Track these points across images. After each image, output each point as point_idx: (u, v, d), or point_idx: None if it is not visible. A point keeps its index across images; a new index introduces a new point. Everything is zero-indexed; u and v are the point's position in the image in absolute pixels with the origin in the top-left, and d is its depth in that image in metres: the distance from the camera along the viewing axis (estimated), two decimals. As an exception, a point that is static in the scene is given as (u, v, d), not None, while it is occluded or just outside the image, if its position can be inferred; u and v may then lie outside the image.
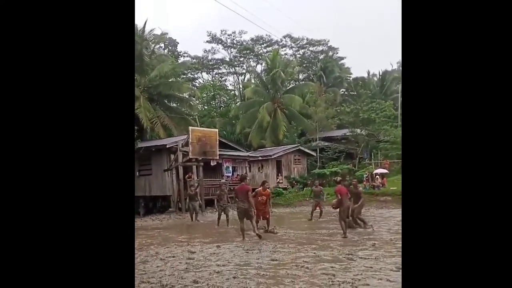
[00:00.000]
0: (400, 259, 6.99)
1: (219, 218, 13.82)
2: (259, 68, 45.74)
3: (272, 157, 26.29)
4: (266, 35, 46.77)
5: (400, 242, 8.70)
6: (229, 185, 22.84)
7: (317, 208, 14.12)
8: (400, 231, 10.37)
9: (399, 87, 40.99)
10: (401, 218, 11.92)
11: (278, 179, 25.83)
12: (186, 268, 6.94)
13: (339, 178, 11.44)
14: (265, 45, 47.22)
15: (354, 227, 10.89)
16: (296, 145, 29.33)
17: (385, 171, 22.77)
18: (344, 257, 7.44)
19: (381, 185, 20.65)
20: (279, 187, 24.54)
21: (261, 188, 11.39)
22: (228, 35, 46.17)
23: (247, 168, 25.64)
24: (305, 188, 24.51)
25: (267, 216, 11.35)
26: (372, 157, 28.54)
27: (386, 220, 13.13)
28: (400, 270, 6.17)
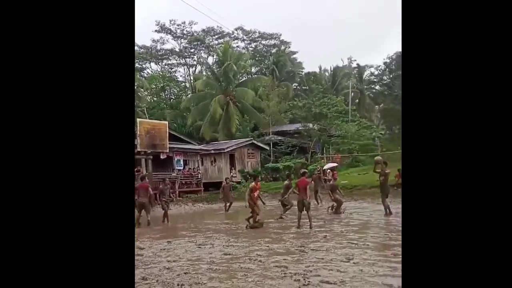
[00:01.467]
0: (350, 250, 7.19)
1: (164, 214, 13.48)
2: (210, 60, 45.14)
3: (225, 150, 26.10)
4: (218, 26, 46.08)
5: (351, 234, 8.96)
6: (181, 179, 22.44)
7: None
8: (351, 223, 10.77)
9: (350, 83, 42.30)
10: (352, 211, 12.35)
11: (231, 173, 25.69)
12: (135, 265, 6.67)
13: (303, 171, 11.78)
14: (216, 36, 46.50)
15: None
16: (249, 138, 29.34)
17: (335, 165, 23.36)
18: (296, 250, 7.49)
19: (332, 179, 21.12)
20: (233, 181, 24.43)
21: (254, 183, 11.41)
22: (178, 25, 44.90)
23: (199, 161, 25.30)
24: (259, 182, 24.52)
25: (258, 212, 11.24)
26: (324, 152, 29.21)
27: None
28: (350, 261, 6.34)
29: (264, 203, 12.38)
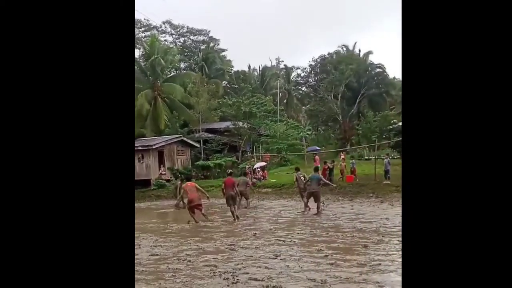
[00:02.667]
0: (278, 247, 7.43)
1: None
2: (136, 53, 43.39)
3: (154, 147, 25.24)
4: (144, 19, 44.45)
5: (279, 231, 9.24)
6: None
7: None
8: (279, 220, 11.09)
9: (278, 83, 43.29)
10: (281, 209, 12.75)
11: (160, 171, 24.95)
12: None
13: (230, 171, 13.43)
14: (143, 29, 44.68)
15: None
16: (179, 135, 28.64)
17: (264, 164, 23.83)
18: (226, 248, 7.57)
19: (262, 178, 21.56)
20: (162, 179, 23.79)
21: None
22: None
23: (126, 158, 24.25)
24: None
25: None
26: (254, 150, 29.60)
27: (266, 210, 13.76)
28: (277, 258, 6.56)
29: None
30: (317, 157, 21.40)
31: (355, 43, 46.68)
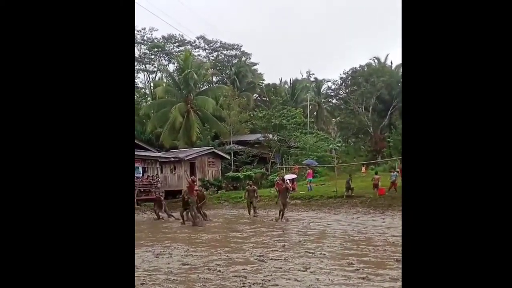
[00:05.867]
0: (307, 259, 7.39)
1: None
2: (171, 67, 44.51)
3: (185, 158, 25.74)
4: (179, 34, 45.69)
5: (308, 243, 9.18)
6: (139, 187, 21.91)
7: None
8: (309, 232, 11.01)
9: (308, 96, 43.22)
10: (310, 220, 12.62)
11: (192, 182, 25.34)
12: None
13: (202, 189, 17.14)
14: (177, 44, 45.90)
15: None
16: (210, 147, 29.14)
17: (294, 176, 23.77)
18: (255, 259, 7.58)
19: (291, 189, 21.47)
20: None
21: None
22: (138, 31, 43.96)
23: (159, 169, 24.83)
24: (219, 191, 24.48)
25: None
26: (284, 162, 29.59)
27: (296, 222, 13.69)
28: (307, 270, 6.52)
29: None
30: (309, 171, 21.60)
31: (387, 55, 46.08)
